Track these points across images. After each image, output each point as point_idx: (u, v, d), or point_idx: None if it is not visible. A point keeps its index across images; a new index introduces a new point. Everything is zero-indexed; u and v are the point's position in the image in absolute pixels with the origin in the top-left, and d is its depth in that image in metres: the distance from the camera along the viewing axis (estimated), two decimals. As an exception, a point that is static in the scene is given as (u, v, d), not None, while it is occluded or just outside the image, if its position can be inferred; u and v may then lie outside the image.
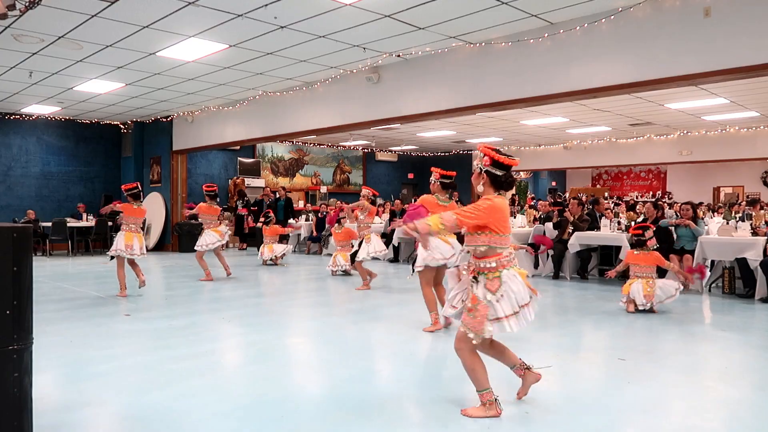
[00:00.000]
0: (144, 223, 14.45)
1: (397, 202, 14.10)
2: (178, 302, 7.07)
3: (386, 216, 13.26)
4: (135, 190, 7.44)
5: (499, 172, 3.16)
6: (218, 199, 9.16)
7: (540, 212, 11.34)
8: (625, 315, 6.19)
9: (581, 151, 18.16)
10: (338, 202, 9.15)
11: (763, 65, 5.78)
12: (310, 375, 4.22)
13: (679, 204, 8.11)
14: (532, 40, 7.38)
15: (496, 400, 3.21)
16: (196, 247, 8.94)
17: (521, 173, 22.32)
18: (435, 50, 8.37)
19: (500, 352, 3.41)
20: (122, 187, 7.63)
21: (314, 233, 13.85)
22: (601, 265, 9.34)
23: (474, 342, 3.14)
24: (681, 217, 8.00)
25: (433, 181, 5.44)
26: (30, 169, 14.00)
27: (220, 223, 9.10)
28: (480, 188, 3.21)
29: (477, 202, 3.16)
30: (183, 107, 13.00)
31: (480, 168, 3.20)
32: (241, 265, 11.13)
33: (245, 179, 16.45)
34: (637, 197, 20.83)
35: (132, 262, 7.34)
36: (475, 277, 3.19)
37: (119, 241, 7.20)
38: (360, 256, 8.09)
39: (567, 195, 20.23)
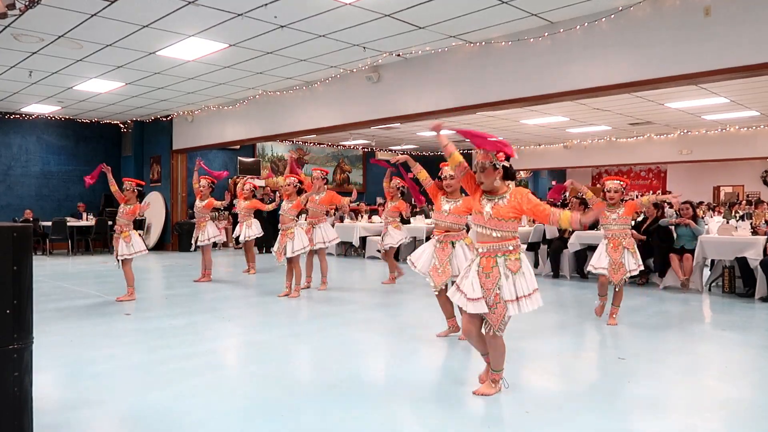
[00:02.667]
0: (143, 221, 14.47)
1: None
2: (178, 302, 7.07)
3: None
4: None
5: (508, 164, 3.45)
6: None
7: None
8: (624, 314, 6.19)
9: (581, 150, 18.16)
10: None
11: (763, 64, 5.77)
12: (310, 374, 4.22)
13: (679, 203, 8.11)
14: (532, 40, 7.38)
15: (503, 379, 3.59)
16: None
17: (521, 172, 22.31)
18: (435, 49, 8.37)
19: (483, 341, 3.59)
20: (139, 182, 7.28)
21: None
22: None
23: (491, 334, 3.45)
24: (681, 217, 8.00)
25: (449, 177, 4.73)
26: (30, 169, 14.00)
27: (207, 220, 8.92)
28: (497, 183, 3.42)
29: (528, 196, 3.39)
30: (183, 106, 12.99)
31: (495, 164, 3.40)
32: (239, 264, 11.12)
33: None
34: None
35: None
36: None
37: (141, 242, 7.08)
38: (291, 252, 6.98)
39: (567, 194, 20.22)
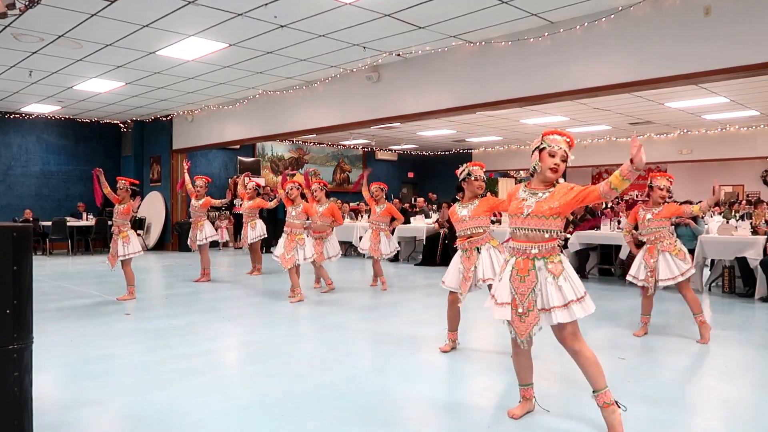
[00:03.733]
0: (141, 221, 14.47)
1: (396, 201, 14.07)
2: (178, 301, 7.07)
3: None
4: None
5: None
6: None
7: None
8: (625, 314, 6.19)
9: (581, 150, 18.14)
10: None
11: (763, 64, 5.78)
12: (310, 374, 4.21)
13: (679, 203, 8.10)
14: (532, 39, 7.38)
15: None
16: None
17: (521, 172, 22.30)
18: (435, 49, 8.37)
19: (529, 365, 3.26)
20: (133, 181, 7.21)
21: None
22: (601, 264, 9.35)
23: (522, 347, 3.10)
24: (681, 216, 7.97)
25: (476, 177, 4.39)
26: (30, 169, 14.00)
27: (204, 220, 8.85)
28: (560, 178, 3.08)
29: (574, 186, 2.99)
30: (183, 106, 12.99)
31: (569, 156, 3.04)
32: (239, 264, 11.13)
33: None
34: (637, 196, 20.79)
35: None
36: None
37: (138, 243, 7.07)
38: (302, 259, 6.96)
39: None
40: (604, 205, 11.23)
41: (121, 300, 6.92)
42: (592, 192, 2.89)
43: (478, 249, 4.41)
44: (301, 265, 7.08)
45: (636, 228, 5.32)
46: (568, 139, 3.05)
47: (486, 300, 3.29)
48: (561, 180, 3.09)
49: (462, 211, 4.42)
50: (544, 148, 3.03)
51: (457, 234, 4.54)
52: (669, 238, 5.06)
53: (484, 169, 4.49)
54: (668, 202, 5.21)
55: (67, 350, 4.73)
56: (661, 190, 5.05)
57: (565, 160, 3.02)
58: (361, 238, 12.35)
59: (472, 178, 4.35)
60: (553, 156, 3.00)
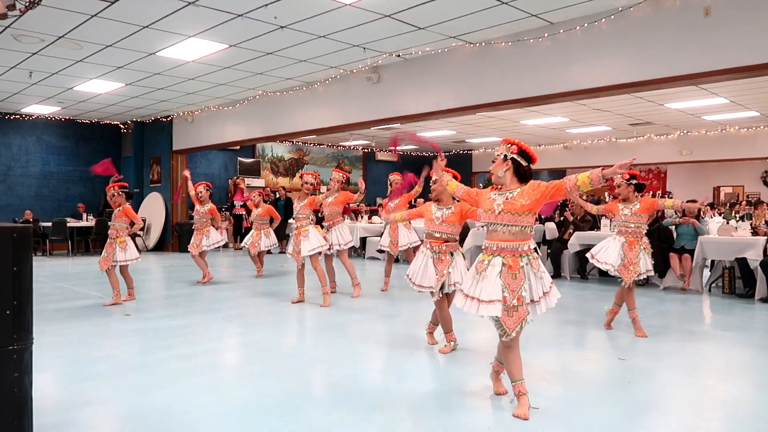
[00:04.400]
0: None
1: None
2: (177, 302, 7.08)
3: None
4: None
5: (523, 162, 3.31)
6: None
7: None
8: (625, 314, 6.17)
9: (581, 150, 18.15)
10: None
11: (763, 65, 5.78)
12: (310, 374, 4.22)
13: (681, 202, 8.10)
14: (532, 40, 7.38)
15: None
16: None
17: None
18: (435, 50, 8.37)
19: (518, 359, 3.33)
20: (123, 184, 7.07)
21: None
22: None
23: (504, 339, 3.23)
24: (685, 216, 7.95)
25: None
26: (30, 169, 14.01)
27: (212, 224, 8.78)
28: (501, 174, 3.30)
29: (540, 183, 3.25)
30: (183, 107, 13.00)
31: (506, 155, 3.31)
32: (239, 265, 11.14)
33: (245, 179, 16.43)
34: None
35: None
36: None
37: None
38: (307, 251, 6.68)
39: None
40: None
41: (124, 301, 6.92)
42: (559, 188, 3.14)
43: (451, 253, 4.51)
44: (317, 257, 6.85)
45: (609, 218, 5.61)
46: (505, 144, 3.40)
47: (457, 299, 3.37)
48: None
49: (436, 212, 4.51)
50: None
51: (426, 231, 4.58)
52: (644, 237, 5.25)
53: (449, 173, 4.49)
54: (643, 196, 5.40)
55: (67, 350, 4.73)
56: (617, 188, 5.32)
57: (494, 161, 3.38)
58: (362, 239, 12.43)
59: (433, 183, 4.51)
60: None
